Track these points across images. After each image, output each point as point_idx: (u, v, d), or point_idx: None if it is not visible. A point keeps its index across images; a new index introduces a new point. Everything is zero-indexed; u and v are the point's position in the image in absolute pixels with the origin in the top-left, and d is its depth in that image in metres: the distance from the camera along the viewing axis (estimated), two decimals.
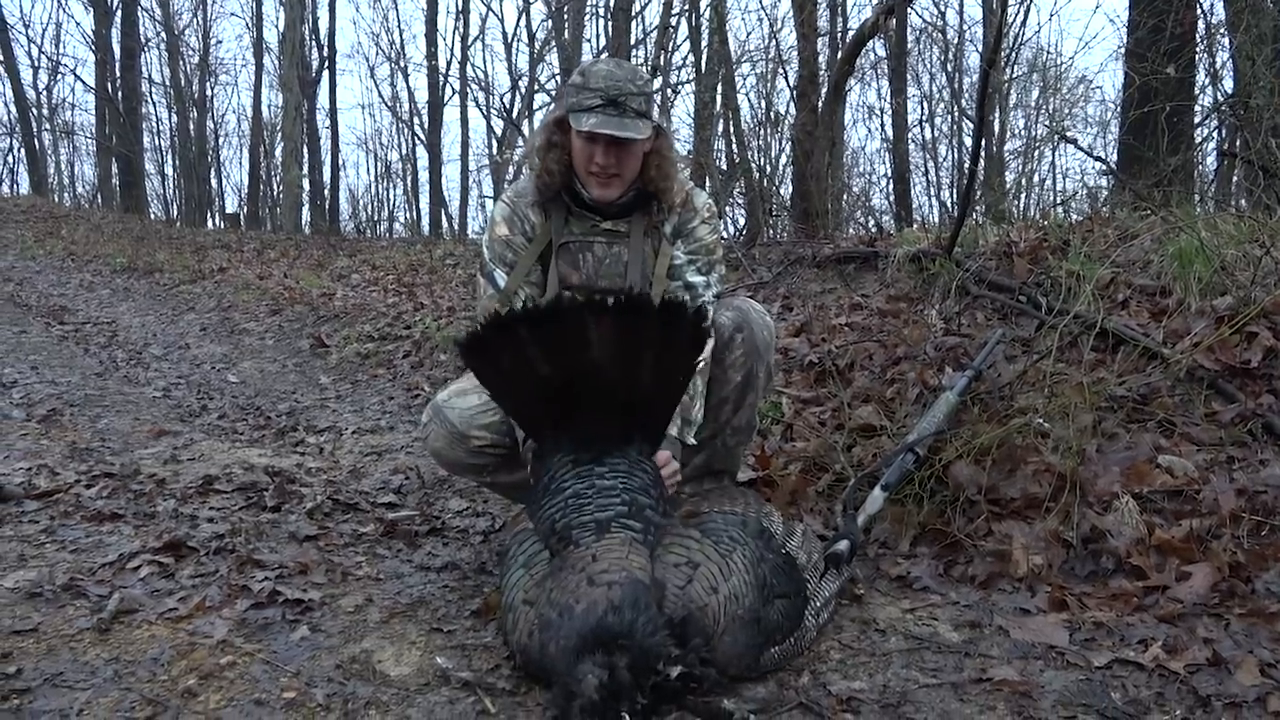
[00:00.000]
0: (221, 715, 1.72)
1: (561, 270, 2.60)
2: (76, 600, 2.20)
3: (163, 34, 27.07)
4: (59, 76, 31.33)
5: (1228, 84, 6.94)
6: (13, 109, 26.39)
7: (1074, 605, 2.19)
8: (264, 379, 6.15)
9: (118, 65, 23.13)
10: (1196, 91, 6.75)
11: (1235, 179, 7.01)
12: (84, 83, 28.48)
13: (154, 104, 28.88)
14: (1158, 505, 2.48)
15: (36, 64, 28.66)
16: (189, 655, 1.95)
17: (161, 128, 29.83)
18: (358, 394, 5.59)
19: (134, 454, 3.74)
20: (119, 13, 22.98)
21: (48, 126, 29.04)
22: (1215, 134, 7.63)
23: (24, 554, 2.49)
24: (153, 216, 24.28)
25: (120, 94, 23.23)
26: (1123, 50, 7.34)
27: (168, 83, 28.11)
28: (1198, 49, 6.49)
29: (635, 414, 2.08)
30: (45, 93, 28.92)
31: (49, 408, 4.59)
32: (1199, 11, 6.33)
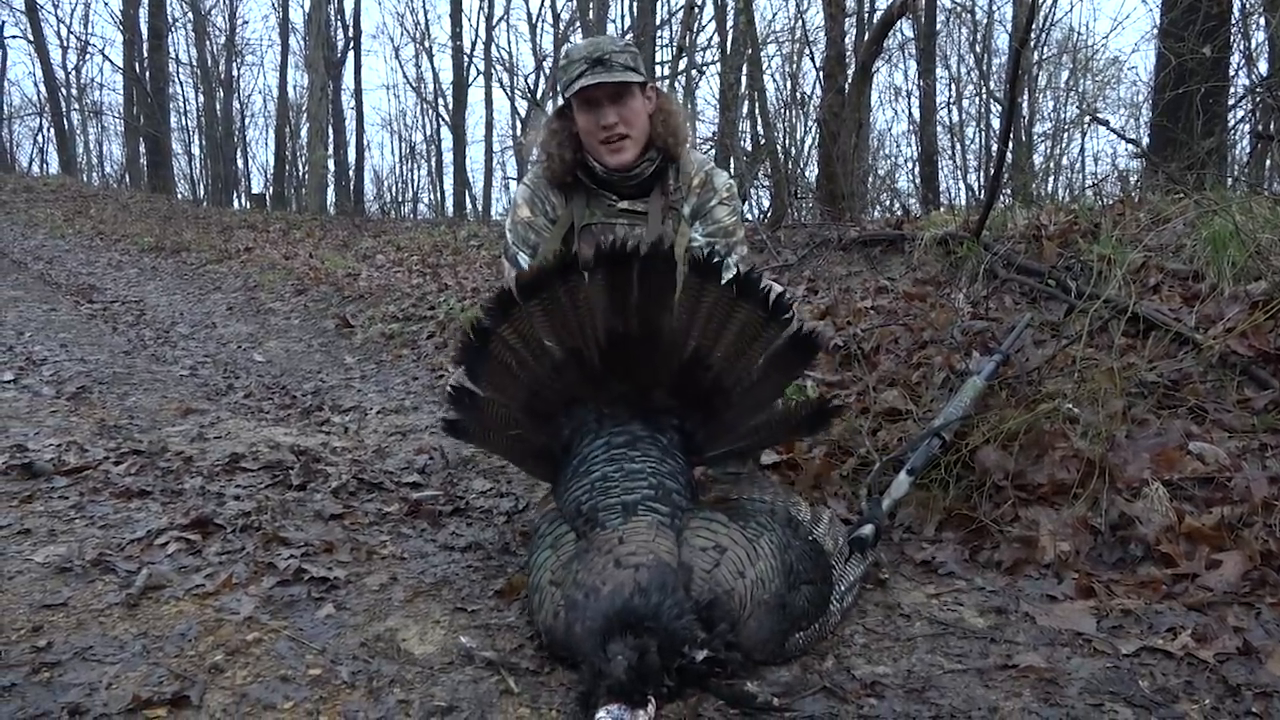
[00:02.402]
0: (248, 691, 1.74)
1: (583, 252, 2.60)
2: (105, 576, 2.22)
3: (190, 14, 27.29)
4: (87, 57, 31.61)
5: (1263, 66, 6.83)
6: (42, 89, 26.77)
7: (1102, 592, 2.17)
8: (289, 358, 6.18)
9: (145, 45, 23.28)
10: (1231, 73, 6.65)
11: (1270, 162, 6.90)
12: (112, 63, 28.84)
13: (181, 84, 29.14)
14: (1188, 492, 2.45)
15: (66, 44, 28.98)
16: (216, 631, 1.96)
17: (188, 108, 30.10)
18: (382, 374, 5.62)
19: (161, 431, 3.77)
20: None
21: (76, 107, 29.34)
22: (1250, 116, 7.51)
23: (54, 529, 2.51)
24: (179, 196, 24.45)
25: (148, 74, 23.37)
26: (1156, 30, 7.23)
27: (195, 63, 28.34)
28: (1233, 29, 6.38)
29: (683, 398, 2.07)
30: (74, 73, 29.29)
31: (78, 385, 4.63)
32: None
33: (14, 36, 30.80)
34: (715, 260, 1.99)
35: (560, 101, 2.61)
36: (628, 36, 16.30)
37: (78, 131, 29.81)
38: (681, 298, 1.97)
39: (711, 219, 2.65)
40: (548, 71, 23.75)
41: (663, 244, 2.00)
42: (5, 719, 1.60)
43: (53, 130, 26.98)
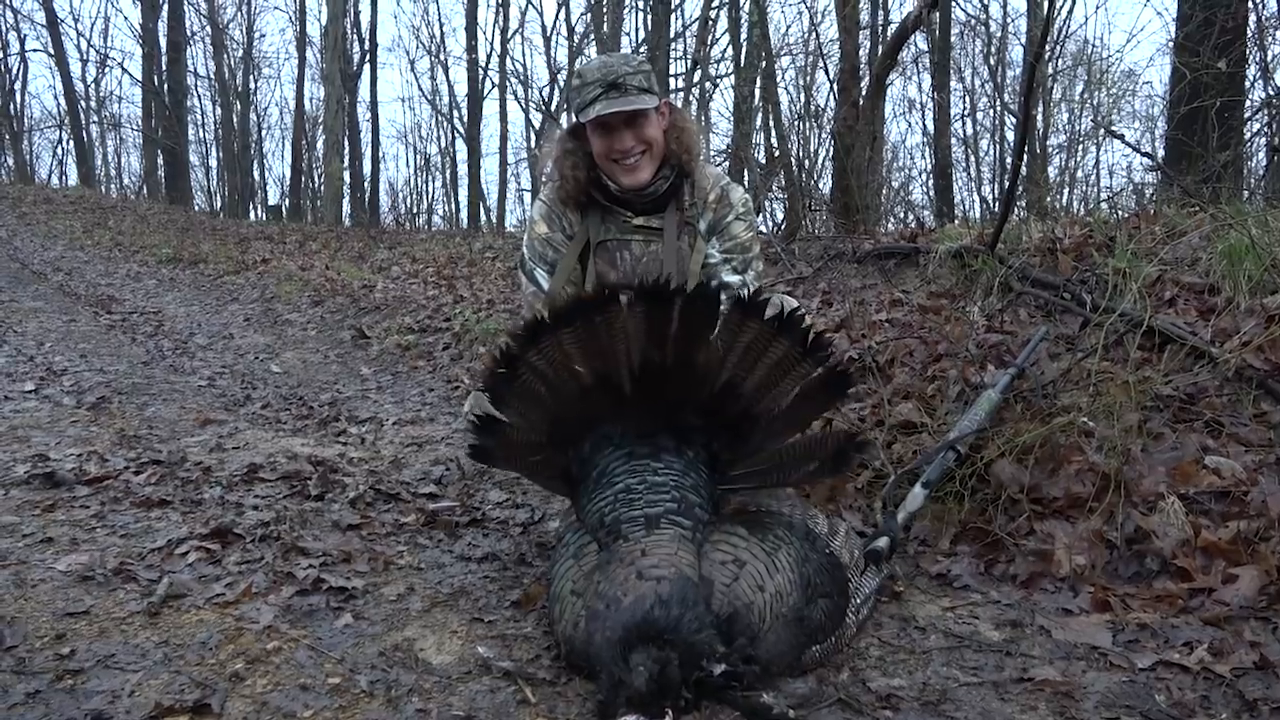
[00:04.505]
0: (268, 699, 1.76)
1: (599, 268, 2.62)
2: (127, 584, 2.25)
3: (208, 28, 27.51)
4: (107, 70, 31.88)
5: (1279, 79, 6.82)
6: (62, 102, 26.97)
7: (1117, 606, 2.17)
8: (306, 369, 6.22)
9: (164, 59, 23.51)
10: (1247, 86, 6.64)
11: None
12: (131, 76, 29.05)
13: (199, 97, 29.36)
14: (1204, 506, 2.44)
15: (85, 57, 29.30)
16: (236, 640, 1.98)
17: (206, 120, 30.34)
18: (398, 385, 5.65)
19: (180, 442, 3.80)
20: (165, 7, 23.34)
21: (95, 119, 29.59)
22: (1266, 129, 7.49)
23: (75, 538, 2.54)
24: (197, 208, 24.63)
25: (166, 87, 23.59)
26: (1172, 44, 7.22)
27: (212, 76, 28.58)
28: (1248, 43, 6.38)
29: (711, 420, 2.07)
30: (93, 86, 29.51)
31: (98, 395, 4.68)
32: (1250, 5, 6.22)
33: (35, 50, 31.20)
34: (761, 299, 1.99)
35: (574, 119, 2.62)
36: (643, 50, 16.36)
37: (96, 144, 30.08)
38: (721, 332, 1.98)
39: (728, 235, 2.66)
40: (562, 85, 23.88)
41: (708, 285, 2.01)
42: None
43: (72, 142, 27.26)
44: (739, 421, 2.05)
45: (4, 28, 27.55)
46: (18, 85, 29.34)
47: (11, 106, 29.11)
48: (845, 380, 2.08)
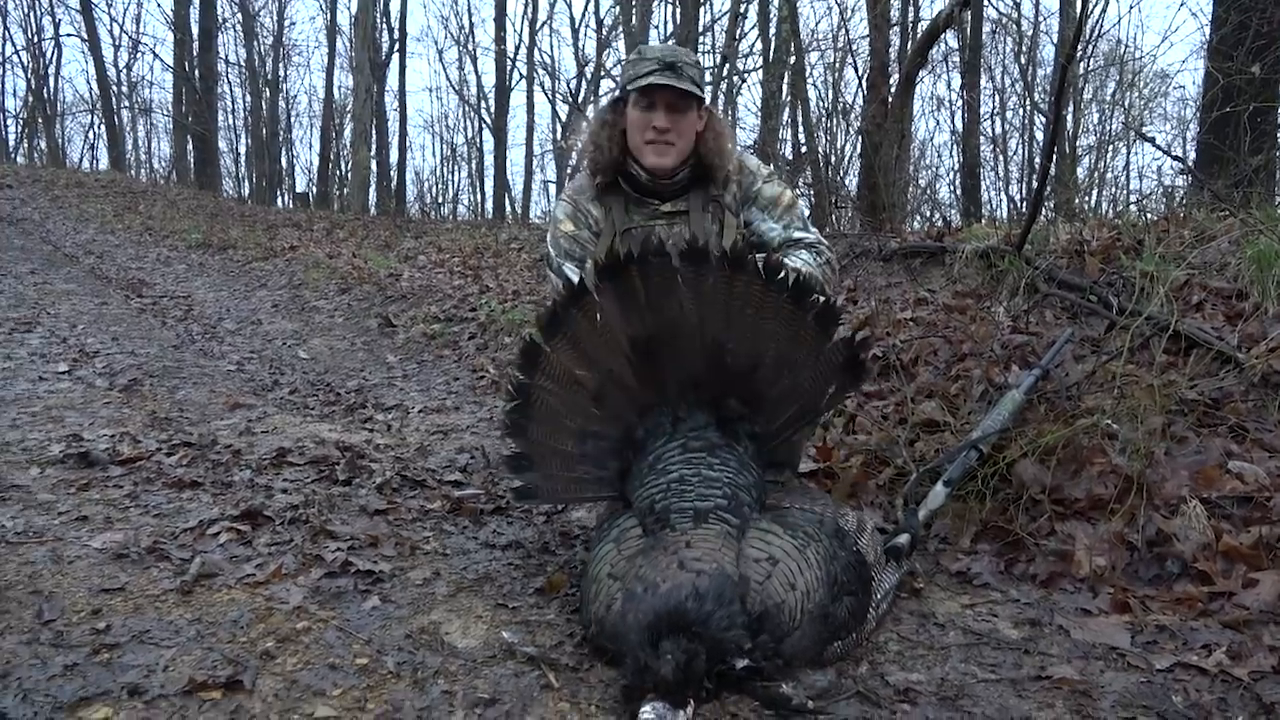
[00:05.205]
0: (298, 677, 1.80)
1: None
2: (160, 563, 2.30)
3: (239, 15, 27.67)
4: (139, 55, 32.17)
5: None
6: (94, 86, 27.19)
7: (1137, 608, 2.18)
8: (333, 356, 6.28)
9: (195, 45, 23.63)
10: None
11: None
12: (162, 61, 29.31)
13: (229, 84, 29.50)
14: (1226, 511, 2.45)
15: (118, 42, 29.55)
16: (267, 619, 2.03)
17: (235, 107, 30.48)
18: (424, 374, 5.70)
19: (211, 425, 3.86)
20: None
21: (127, 104, 29.83)
22: None
23: (110, 517, 2.60)
24: (225, 194, 24.81)
25: (197, 73, 23.73)
26: (1205, 47, 7.17)
27: (243, 63, 28.73)
28: None
29: (759, 408, 2.13)
30: (125, 71, 29.74)
31: (130, 378, 4.75)
32: None
33: (69, 35, 31.53)
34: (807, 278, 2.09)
35: (619, 94, 2.65)
36: (670, 43, 16.34)
37: (127, 129, 30.35)
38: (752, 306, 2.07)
39: (765, 199, 2.69)
40: (589, 76, 23.89)
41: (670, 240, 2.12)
42: (69, 696, 1.66)
43: (104, 127, 27.48)
44: (775, 401, 2.12)
45: (39, 12, 27.89)
46: (51, 69, 29.72)
47: (45, 90, 29.47)
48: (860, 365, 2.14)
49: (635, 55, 2.64)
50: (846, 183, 9.86)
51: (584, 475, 2.24)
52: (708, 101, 2.71)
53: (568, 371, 2.17)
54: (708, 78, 17.24)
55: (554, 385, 2.19)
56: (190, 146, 24.98)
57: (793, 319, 2.07)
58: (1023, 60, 16.99)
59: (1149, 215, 5.77)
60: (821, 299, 2.08)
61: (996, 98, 17.07)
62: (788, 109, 12.08)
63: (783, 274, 2.06)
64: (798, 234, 2.66)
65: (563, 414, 2.20)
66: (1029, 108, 16.39)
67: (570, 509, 2.92)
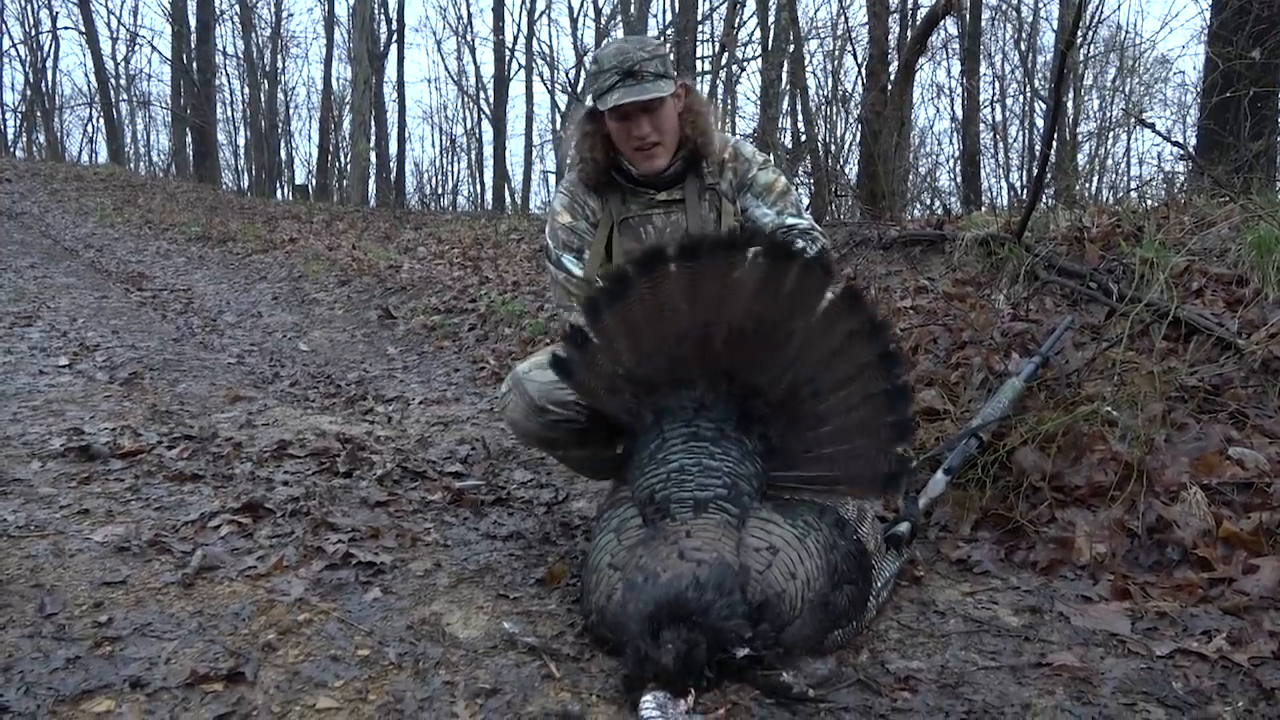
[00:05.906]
0: (300, 669, 1.80)
1: (625, 245, 2.63)
2: (161, 555, 2.30)
3: (236, 7, 27.61)
4: (137, 48, 32.13)
5: None
6: (93, 79, 27.17)
7: (1137, 594, 2.18)
8: (333, 348, 6.29)
9: (193, 37, 23.63)
10: None
11: None
12: (160, 54, 29.26)
13: (227, 76, 29.47)
14: (1226, 497, 2.45)
15: (115, 35, 29.63)
16: (268, 611, 2.03)
17: (234, 99, 30.46)
18: (424, 365, 5.70)
19: (211, 417, 3.86)
20: None
21: (125, 97, 29.82)
22: None
23: (111, 510, 2.60)
24: (224, 186, 24.79)
25: (195, 66, 23.71)
26: (1205, 32, 7.15)
27: (240, 55, 28.70)
28: None
29: (777, 410, 2.09)
30: (123, 64, 29.73)
31: (130, 371, 4.75)
32: None
33: (66, 27, 31.49)
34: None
35: (590, 104, 2.64)
36: (669, 32, 16.30)
37: (126, 122, 30.33)
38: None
39: (758, 185, 2.67)
40: (588, 66, 23.82)
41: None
42: (71, 689, 1.67)
43: (102, 120, 27.46)
44: (801, 413, 2.08)
45: (37, 5, 27.84)
46: (49, 63, 29.71)
47: (43, 84, 29.45)
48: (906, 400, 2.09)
49: (593, 67, 2.58)
50: (846, 171, 9.84)
51: (611, 401, 2.18)
52: (683, 81, 2.67)
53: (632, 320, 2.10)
54: (707, 66, 17.24)
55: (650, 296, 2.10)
56: (189, 139, 24.99)
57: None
58: (1022, 47, 16.95)
59: (1149, 201, 5.77)
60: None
61: (996, 85, 17.03)
62: (787, 97, 12.07)
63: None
64: (791, 220, 2.66)
65: (622, 344, 2.12)
66: (1029, 94, 16.36)
67: (571, 499, 2.92)
